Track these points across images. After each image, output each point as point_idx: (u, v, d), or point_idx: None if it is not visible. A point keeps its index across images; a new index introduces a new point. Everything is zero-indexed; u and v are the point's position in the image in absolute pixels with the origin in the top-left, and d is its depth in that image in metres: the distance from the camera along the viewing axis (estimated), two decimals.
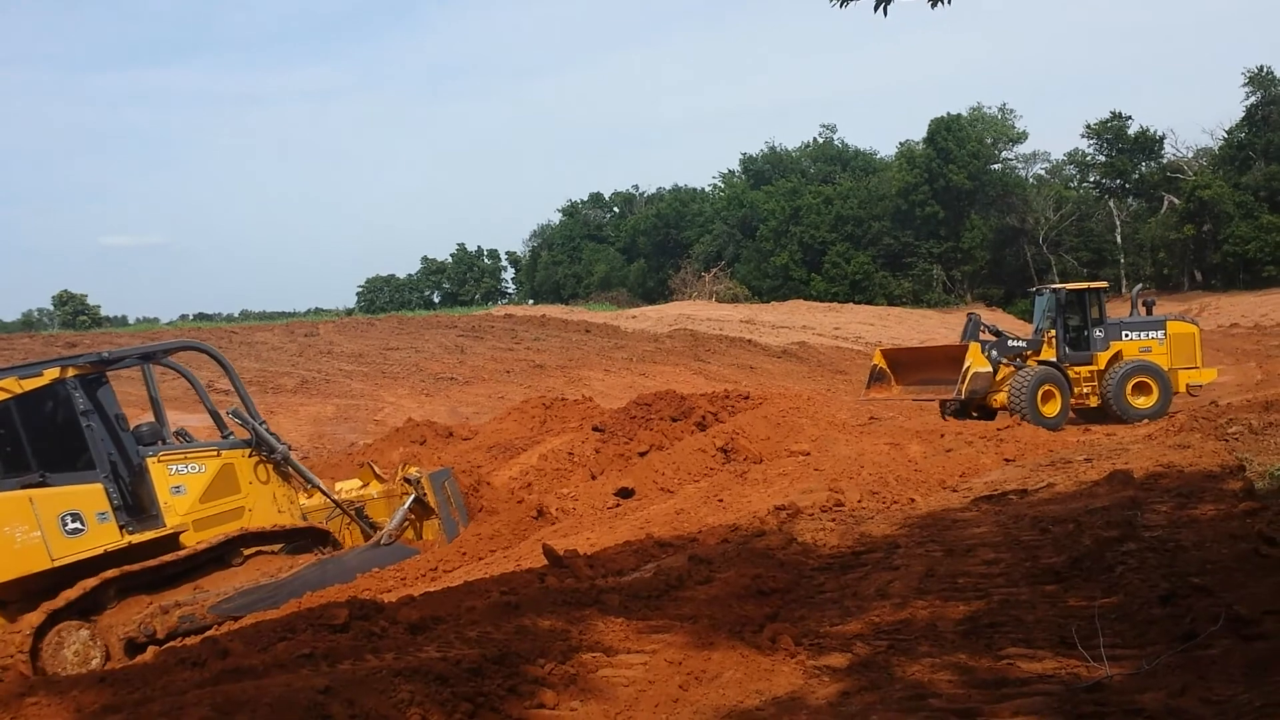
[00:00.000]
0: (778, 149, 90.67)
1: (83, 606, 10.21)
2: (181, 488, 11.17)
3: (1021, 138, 77.83)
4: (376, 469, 13.54)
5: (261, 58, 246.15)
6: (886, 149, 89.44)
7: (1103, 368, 22.89)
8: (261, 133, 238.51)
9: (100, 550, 10.45)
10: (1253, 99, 68.02)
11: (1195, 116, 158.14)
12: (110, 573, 10.37)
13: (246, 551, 11.43)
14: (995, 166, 75.89)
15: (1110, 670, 5.19)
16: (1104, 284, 26.00)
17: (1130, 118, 73.32)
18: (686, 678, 5.70)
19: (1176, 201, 68.23)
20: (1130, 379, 22.45)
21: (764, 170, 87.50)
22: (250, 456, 11.81)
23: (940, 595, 6.96)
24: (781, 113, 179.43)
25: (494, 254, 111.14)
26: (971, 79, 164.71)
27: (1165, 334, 23.35)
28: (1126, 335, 23.29)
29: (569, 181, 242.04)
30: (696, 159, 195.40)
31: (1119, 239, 72.24)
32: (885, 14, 7.37)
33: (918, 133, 78.70)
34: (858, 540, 9.05)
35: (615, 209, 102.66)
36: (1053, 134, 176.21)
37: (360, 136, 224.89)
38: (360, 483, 13.31)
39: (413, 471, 13.07)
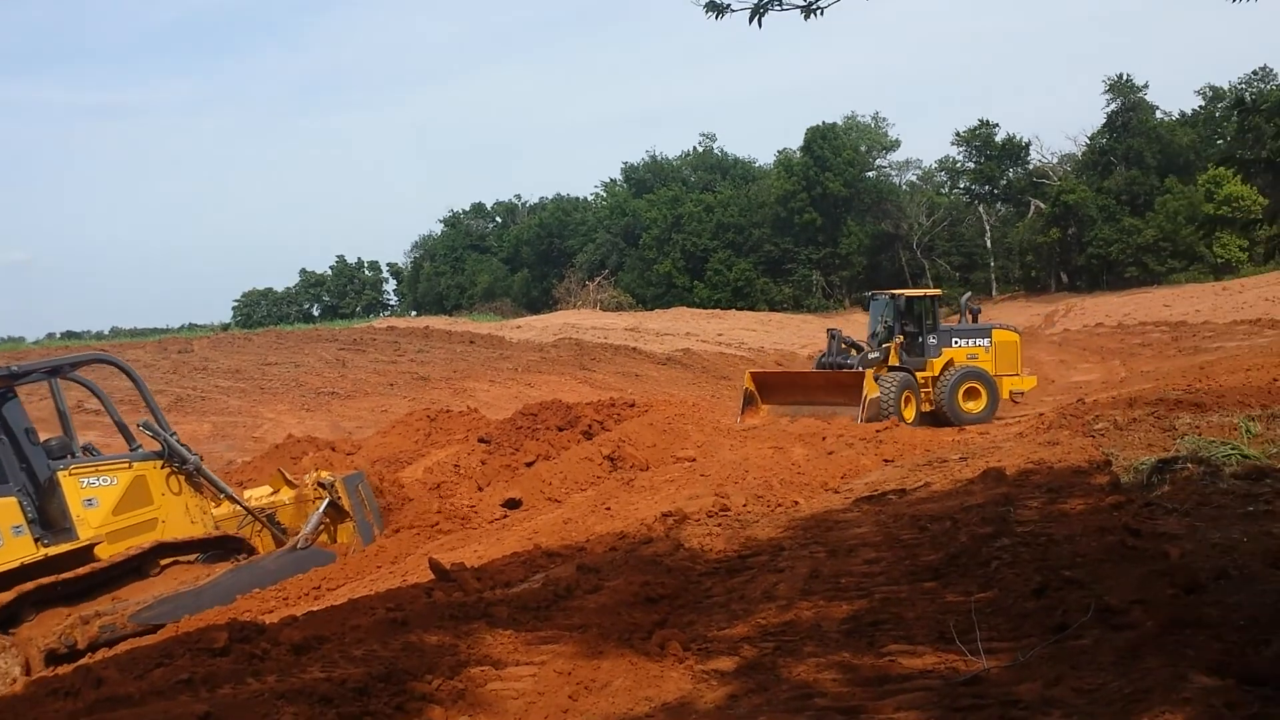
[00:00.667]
0: (658, 158, 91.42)
1: (0, 620, 10.14)
2: (94, 500, 11.15)
3: (894, 146, 79.90)
4: (287, 475, 13.51)
5: (124, 70, 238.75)
6: (765, 157, 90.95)
7: (937, 374, 23.32)
8: (127, 146, 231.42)
9: (17, 563, 10.39)
10: (1113, 106, 70.64)
11: (1059, 124, 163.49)
12: (26, 586, 10.29)
13: (163, 562, 11.40)
14: (870, 174, 77.60)
15: (987, 663, 5.33)
16: (938, 291, 26.62)
17: (997, 125, 75.61)
18: (576, 687, 5.70)
19: (1043, 206, 70.50)
20: (962, 385, 22.91)
21: (645, 179, 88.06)
22: (162, 468, 11.83)
23: (824, 596, 7.07)
24: (661, 121, 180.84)
25: (375, 265, 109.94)
26: (845, 88, 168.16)
27: (991, 341, 23.91)
28: (956, 342, 23.79)
29: (450, 192, 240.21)
30: (578, 168, 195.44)
31: (989, 243, 74.33)
32: (760, 25, 7.47)
33: (795, 141, 80.00)
34: (744, 544, 9.14)
35: (498, 219, 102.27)
36: (924, 142, 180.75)
37: (232, 148, 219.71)
38: (270, 489, 13.30)
39: (325, 475, 13.16)
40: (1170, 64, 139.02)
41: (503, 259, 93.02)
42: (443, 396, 30.76)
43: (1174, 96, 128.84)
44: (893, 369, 22.83)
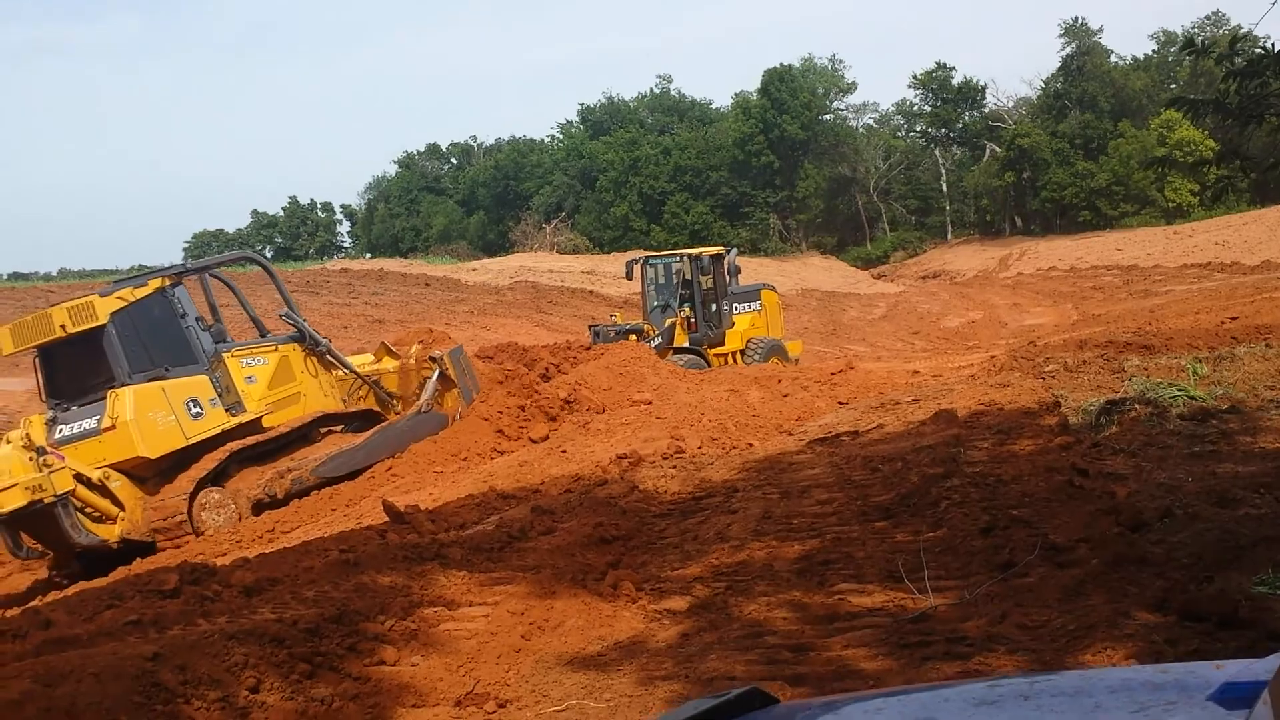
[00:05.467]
0: (615, 100, 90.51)
1: (213, 476, 12.37)
2: (253, 378, 13.45)
3: (851, 88, 79.36)
4: (390, 347, 15.63)
5: (66, 6, 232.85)
6: (722, 100, 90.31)
7: (742, 347, 20.49)
8: (73, 86, 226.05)
9: (219, 429, 12.68)
10: (1068, 49, 70.72)
11: (1015, 67, 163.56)
12: (233, 445, 12.66)
13: (322, 430, 13.87)
14: (827, 117, 77.30)
15: (935, 601, 5.41)
16: (720, 248, 22.32)
17: (954, 69, 75.41)
18: (529, 627, 5.73)
19: (998, 150, 70.63)
20: (770, 358, 20.07)
21: (602, 121, 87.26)
22: (301, 350, 14.18)
23: (776, 536, 7.13)
24: (618, 63, 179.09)
25: (328, 207, 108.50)
26: (803, 31, 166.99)
27: (762, 304, 21.29)
28: (737, 308, 20.85)
29: (404, 133, 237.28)
30: (534, 110, 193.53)
31: (944, 187, 74.57)
32: None
33: (752, 84, 79.42)
34: (698, 486, 9.20)
35: (453, 161, 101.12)
36: (881, 85, 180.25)
37: (183, 87, 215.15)
38: (373, 359, 15.43)
39: (435, 350, 15.10)
40: (1125, 7, 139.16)
41: (458, 201, 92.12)
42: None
43: (1129, 41, 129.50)
44: (679, 350, 19.80)
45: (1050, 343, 18.47)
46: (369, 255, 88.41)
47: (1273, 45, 8.08)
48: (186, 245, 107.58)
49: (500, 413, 14.41)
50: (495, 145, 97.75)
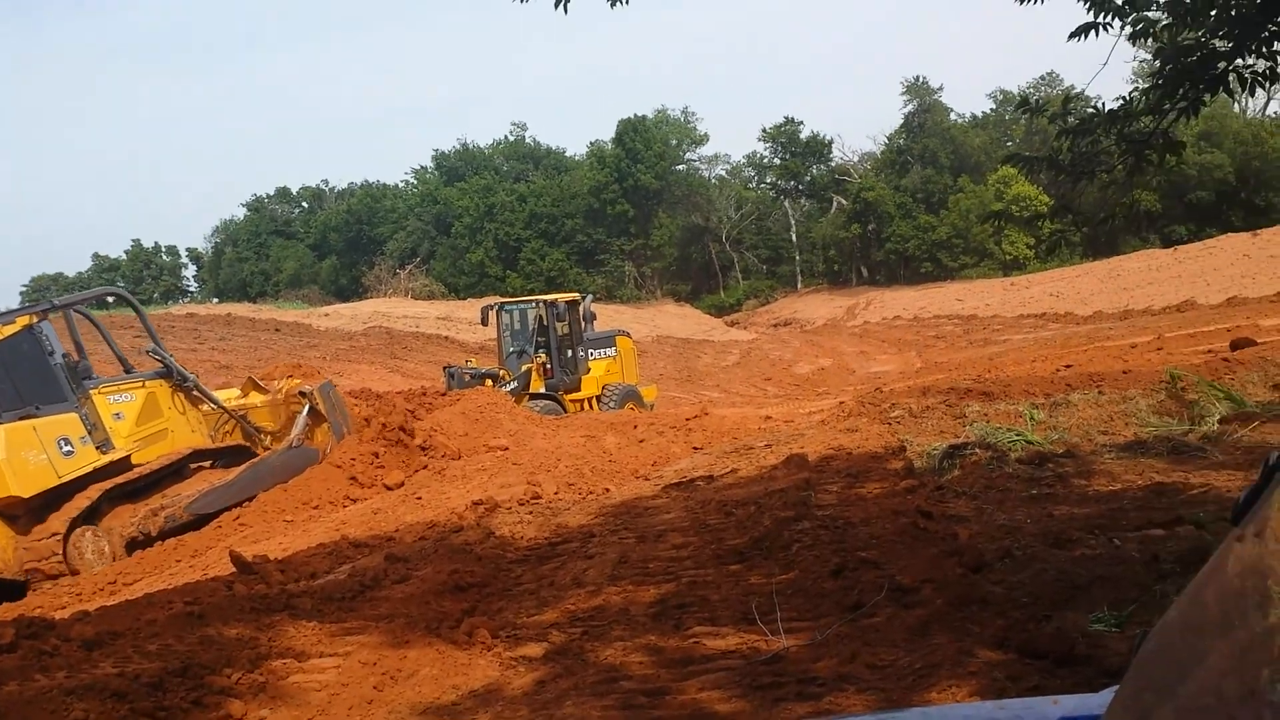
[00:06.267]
0: (470, 146, 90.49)
1: (86, 514, 12.14)
2: (120, 414, 13.30)
3: (703, 140, 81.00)
4: (258, 381, 15.41)
5: None
6: (577, 148, 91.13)
7: (598, 393, 20.56)
8: None
9: (90, 468, 12.47)
10: (910, 107, 73.48)
11: (860, 123, 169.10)
12: (106, 484, 12.43)
13: (193, 466, 13.75)
14: (680, 167, 78.66)
15: (787, 642, 5.49)
16: (577, 295, 22.45)
17: (802, 123, 77.79)
18: (381, 677, 5.63)
19: (844, 202, 72.82)
20: (624, 405, 20.01)
21: (457, 167, 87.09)
22: (167, 385, 14.07)
23: (632, 580, 7.16)
24: (473, 109, 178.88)
25: (173, 250, 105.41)
26: (655, 81, 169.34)
27: (617, 350, 21.41)
28: (593, 354, 21.03)
29: (253, 176, 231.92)
30: (388, 155, 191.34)
31: (794, 237, 76.41)
32: (565, 11, 7.50)
33: (606, 133, 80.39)
34: (554, 531, 9.18)
35: (304, 204, 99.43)
36: (732, 137, 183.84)
37: (16, 122, 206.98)
38: (240, 394, 15.27)
39: (304, 385, 14.96)
40: (965, 67, 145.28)
41: (310, 245, 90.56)
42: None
43: (968, 99, 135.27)
44: (535, 396, 19.71)
45: (896, 389, 18.98)
46: (216, 300, 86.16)
47: (1103, 105, 8.53)
48: (24, 289, 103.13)
49: (353, 459, 14.15)
50: (348, 189, 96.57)
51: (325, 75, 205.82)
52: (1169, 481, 8.21)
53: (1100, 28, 7.64)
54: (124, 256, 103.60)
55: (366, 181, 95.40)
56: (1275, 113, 67.07)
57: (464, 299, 66.38)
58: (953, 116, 74.50)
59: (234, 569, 8.56)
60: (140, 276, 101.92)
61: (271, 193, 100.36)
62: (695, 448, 14.68)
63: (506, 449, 14.79)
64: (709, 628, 5.97)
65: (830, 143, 77.84)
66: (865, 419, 13.57)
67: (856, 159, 79.09)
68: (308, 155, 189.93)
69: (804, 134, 77.00)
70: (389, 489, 13.47)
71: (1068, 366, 18.24)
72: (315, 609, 6.87)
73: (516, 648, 6.02)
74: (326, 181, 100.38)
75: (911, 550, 6.73)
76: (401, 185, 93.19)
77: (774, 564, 7.06)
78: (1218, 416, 10.77)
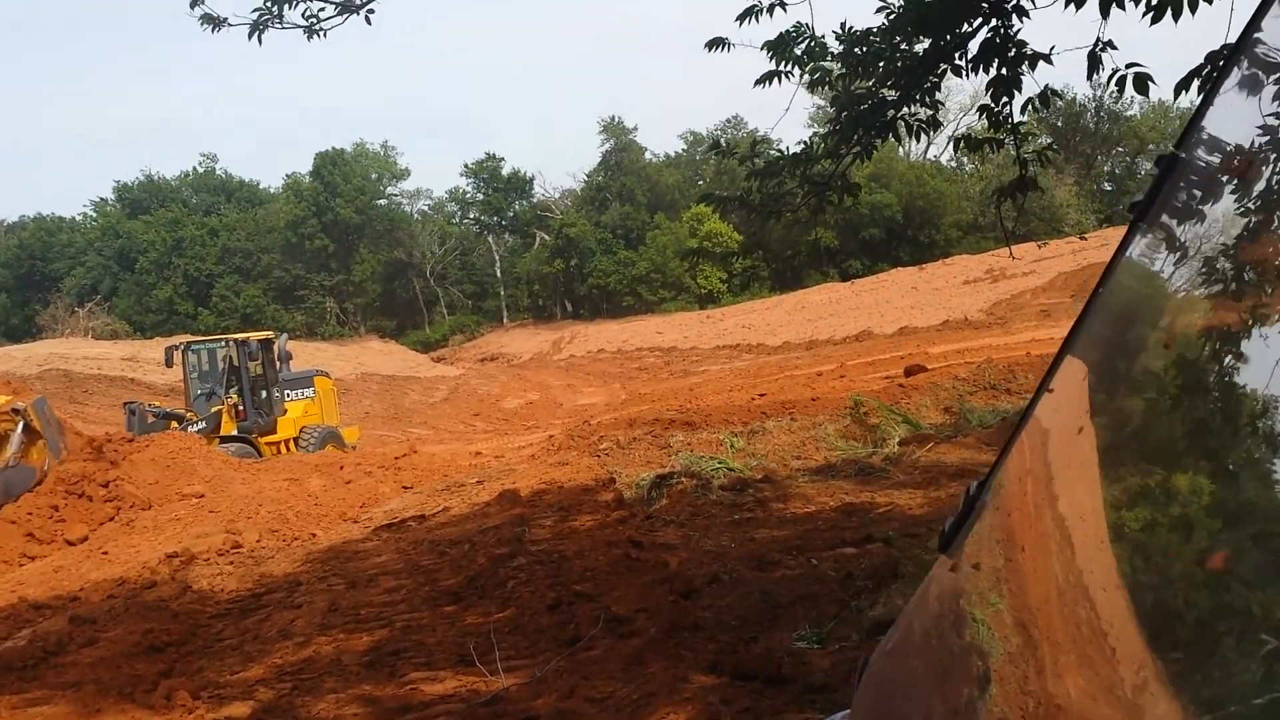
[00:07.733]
0: (155, 178, 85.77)
1: None
2: None
3: (404, 174, 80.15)
4: None
5: None
6: (272, 181, 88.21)
7: (296, 434, 19.92)
8: None
9: None
10: (607, 145, 75.34)
11: (561, 160, 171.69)
12: None
13: None
14: (381, 202, 77.47)
15: (507, 681, 5.48)
16: (270, 334, 21.60)
17: (503, 159, 78.31)
18: None
19: (547, 238, 73.71)
20: (326, 446, 19.65)
21: (141, 199, 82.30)
22: None
23: (344, 628, 6.96)
24: (157, 139, 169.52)
25: None
26: (353, 114, 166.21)
27: (315, 391, 20.76)
28: (289, 395, 20.24)
29: None
30: (63, 187, 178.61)
31: (499, 272, 76.67)
32: (260, 43, 7.28)
33: (303, 166, 78.28)
34: (258, 581, 8.81)
35: None
36: (434, 172, 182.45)
37: None
38: None
39: (17, 402, 14.23)
40: (657, 109, 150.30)
41: None
42: None
43: (661, 140, 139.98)
44: (226, 439, 18.72)
45: (603, 421, 19.35)
46: None
47: (787, 149, 9.04)
48: None
49: (30, 514, 13.08)
50: (19, 223, 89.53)
51: None
52: (858, 502, 8.75)
53: (782, 76, 8.09)
54: None
55: (40, 214, 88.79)
56: (934, 156, 73.02)
57: (151, 338, 62.69)
58: (648, 155, 76.97)
59: None
60: None
61: None
62: (405, 487, 14.44)
63: (203, 496, 14.07)
64: (426, 673, 5.87)
65: (532, 179, 78.71)
66: (575, 452, 13.76)
67: (558, 195, 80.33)
68: None
69: (505, 170, 77.51)
70: (71, 544, 12.54)
71: (762, 395, 19.12)
72: None
73: (220, 708, 5.72)
74: None
75: (625, 580, 6.87)
76: (79, 219, 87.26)
77: (490, 602, 7.03)
78: (897, 439, 11.60)
